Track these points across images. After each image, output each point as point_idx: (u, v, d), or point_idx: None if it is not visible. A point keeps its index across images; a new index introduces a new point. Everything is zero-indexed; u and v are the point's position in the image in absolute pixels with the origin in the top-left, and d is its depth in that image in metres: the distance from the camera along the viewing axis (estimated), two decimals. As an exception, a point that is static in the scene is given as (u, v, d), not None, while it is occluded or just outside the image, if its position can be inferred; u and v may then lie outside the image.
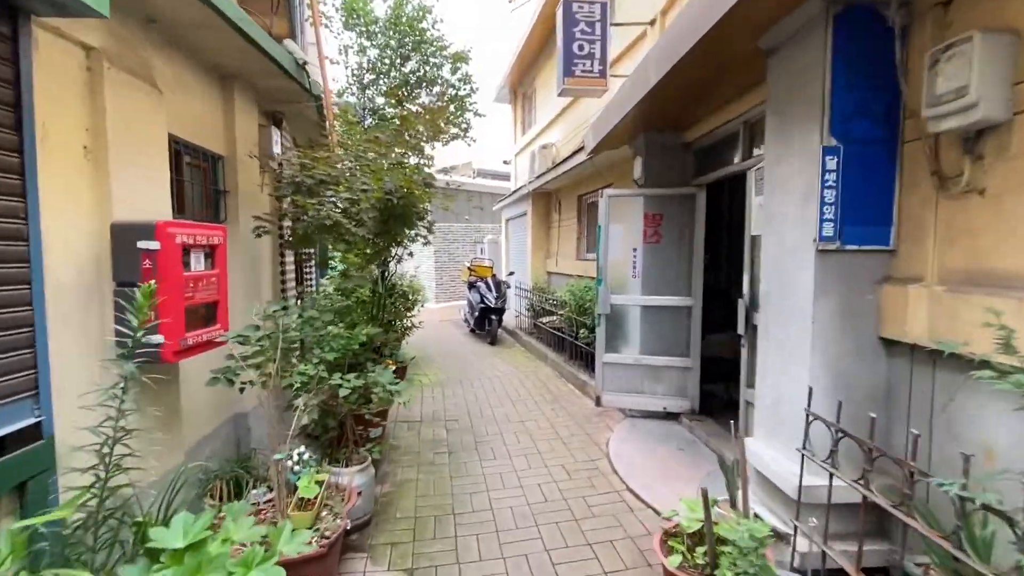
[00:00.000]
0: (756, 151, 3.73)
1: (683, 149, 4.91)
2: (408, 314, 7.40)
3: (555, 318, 7.53)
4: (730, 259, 6.53)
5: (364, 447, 3.37)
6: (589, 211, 8.42)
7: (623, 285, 5.11)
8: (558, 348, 7.41)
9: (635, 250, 5.00)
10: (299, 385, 2.86)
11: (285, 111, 4.39)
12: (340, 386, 2.86)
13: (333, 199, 3.21)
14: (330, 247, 5.72)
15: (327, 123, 4.50)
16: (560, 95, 5.69)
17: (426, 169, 4.70)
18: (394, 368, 6.49)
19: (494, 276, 9.92)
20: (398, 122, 4.24)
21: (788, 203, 2.47)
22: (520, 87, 12.35)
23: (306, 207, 3.05)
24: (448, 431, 4.95)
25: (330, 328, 3.09)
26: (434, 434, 4.86)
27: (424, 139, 4.06)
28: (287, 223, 3.83)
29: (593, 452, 4.35)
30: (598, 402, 5.19)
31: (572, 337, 6.56)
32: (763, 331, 2.72)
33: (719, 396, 5.35)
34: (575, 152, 6.97)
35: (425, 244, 4.68)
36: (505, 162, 13.83)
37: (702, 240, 4.83)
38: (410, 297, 7.29)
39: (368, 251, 3.38)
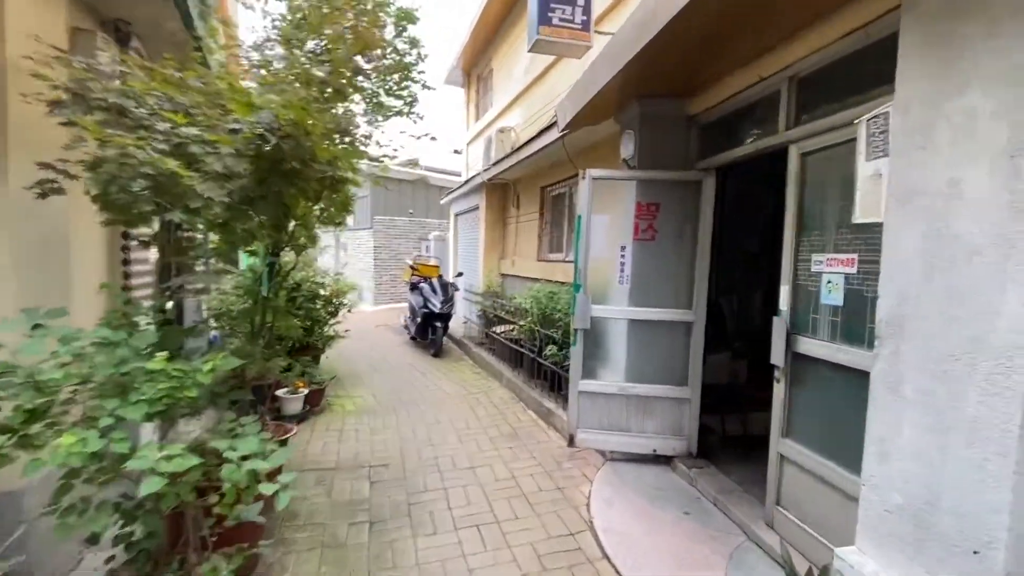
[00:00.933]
0: (804, 117, 2.74)
1: (686, 123, 3.90)
2: (332, 320, 6.00)
3: (512, 328, 6.36)
4: (719, 261, 5.62)
5: (220, 552, 2.03)
6: (553, 205, 7.34)
7: (607, 293, 4.02)
8: (515, 364, 6.25)
9: (623, 248, 3.92)
10: (66, 470, 1.51)
11: (134, 23, 2.95)
12: (151, 471, 1.53)
13: (174, 135, 1.87)
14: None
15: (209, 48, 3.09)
16: (532, 50, 4.54)
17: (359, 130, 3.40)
18: (307, 392, 5.10)
19: (440, 277, 8.62)
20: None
21: (963, 167, 1.43)
22: (475, 68, 11.13)
23: (103, 139, 1.68)
24: (372, 484, 3.64)
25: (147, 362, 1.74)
26: (352, 490, 3.54)
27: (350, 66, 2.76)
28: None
29: (571, 519, 3.20)
30: (571, 442, 4.06)
31: (534, 352, 5.42)
32: (887, 378, 1.67)
33: (715, 431, 4.38)
34: (541, 132, 5.85)
35: (337, 226, 3.37)
36: (456, 151, 12.54)
37: (708, 238, 3.83)
38: (333, 301, 5.87)
39: (237, 227, 2.06)
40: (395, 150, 3.49)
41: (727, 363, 4.82)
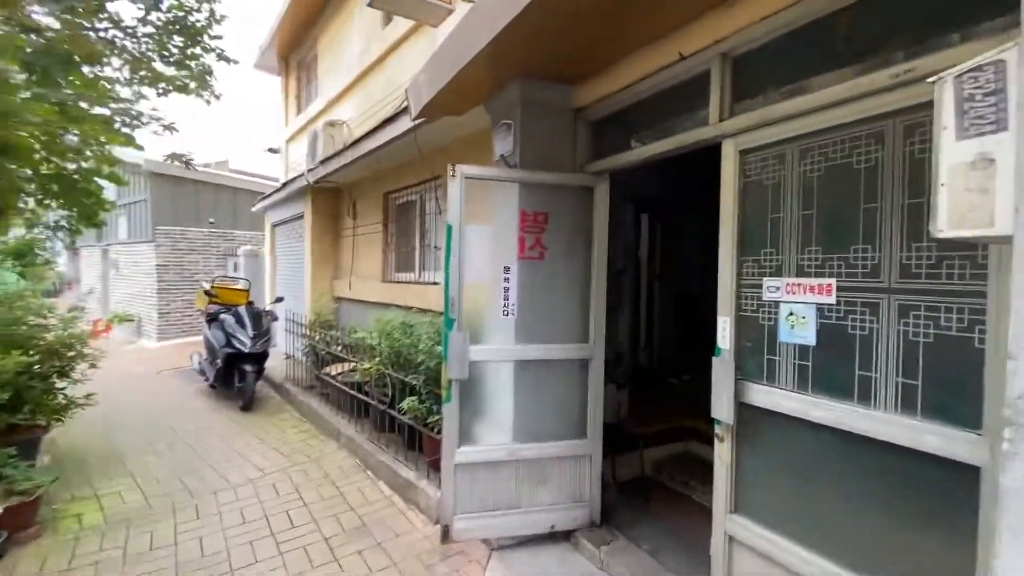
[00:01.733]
0: (744, 105, 2.17)
1: (573, 118, 3.19)
2: (62, 381, 3.96)
3: (353, 369, 5.01)
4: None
5: None
6: (401, 215, 6.18)
7: (487, 328, 3.07)
8: (358, 415, 4.90)
9: (507, 270, 3.02)
10: None
11: None
12: None
13: None
14: None
15: None
16: (373, 4, 3.41)
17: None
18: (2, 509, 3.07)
19: (251, 304, 6.73)
20: None
21: None
22: (295, 53, 9.36)
23: None
24: None
25: None
26: None
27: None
28: None
29: None
30: (446, 535, 2.97)
31: (386, 403, 4.19)
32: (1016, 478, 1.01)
33: (607, 482, 3.73)
34: (384, 123, 4.71)
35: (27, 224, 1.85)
36: (272, 150, 10.44)
37: (604, 256, 3.16)
38: (64, 353, 3.84)
39: None
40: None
41: (614, 396, 4.26)
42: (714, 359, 2.25)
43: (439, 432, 3.31)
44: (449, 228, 2.89)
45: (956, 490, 1.52)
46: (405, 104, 3.88)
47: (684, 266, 5.77)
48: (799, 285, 1.96)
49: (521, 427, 3.04)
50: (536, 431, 3.06)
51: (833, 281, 1.85)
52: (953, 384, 1.53)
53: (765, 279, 2.09)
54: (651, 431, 4.10)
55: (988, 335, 1.45)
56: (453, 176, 2.89)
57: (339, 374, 5.22)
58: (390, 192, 6.15)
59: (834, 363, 1.84)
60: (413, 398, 3.67)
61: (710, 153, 2.34)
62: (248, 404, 5.92)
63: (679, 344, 5.92)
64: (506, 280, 3.01)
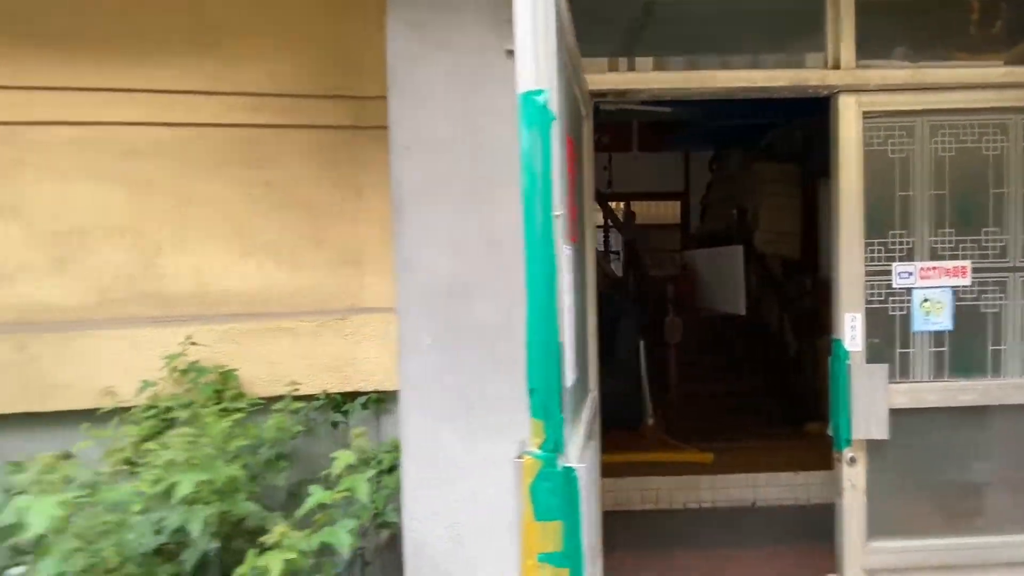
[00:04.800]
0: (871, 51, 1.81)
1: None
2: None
3: None
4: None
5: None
6: None
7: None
8: None
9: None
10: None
11: None
12: None
13: None
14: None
15: None
16: None
17: None
18: None
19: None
20: None
21: None
22: None
23: None
24: None
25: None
26: None
27: None
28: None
29: None
30: None
31: None
32: None
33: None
34: None
35: None
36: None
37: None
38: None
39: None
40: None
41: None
42: (849, 365, 1.81)
43: None
44: (538, 113, 0.85)
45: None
46: None
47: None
48: (934, 269, 1.86)
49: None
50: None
51: (968, 263, 1.86)
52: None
53: (895, 264, 1.85)
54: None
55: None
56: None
57: None
58: None
59: (968, 344, 1.87)
60: None
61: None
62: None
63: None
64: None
